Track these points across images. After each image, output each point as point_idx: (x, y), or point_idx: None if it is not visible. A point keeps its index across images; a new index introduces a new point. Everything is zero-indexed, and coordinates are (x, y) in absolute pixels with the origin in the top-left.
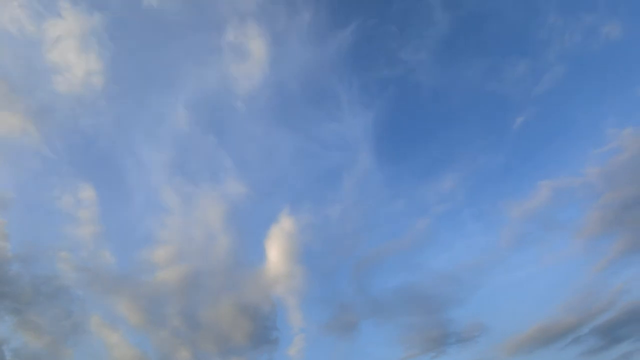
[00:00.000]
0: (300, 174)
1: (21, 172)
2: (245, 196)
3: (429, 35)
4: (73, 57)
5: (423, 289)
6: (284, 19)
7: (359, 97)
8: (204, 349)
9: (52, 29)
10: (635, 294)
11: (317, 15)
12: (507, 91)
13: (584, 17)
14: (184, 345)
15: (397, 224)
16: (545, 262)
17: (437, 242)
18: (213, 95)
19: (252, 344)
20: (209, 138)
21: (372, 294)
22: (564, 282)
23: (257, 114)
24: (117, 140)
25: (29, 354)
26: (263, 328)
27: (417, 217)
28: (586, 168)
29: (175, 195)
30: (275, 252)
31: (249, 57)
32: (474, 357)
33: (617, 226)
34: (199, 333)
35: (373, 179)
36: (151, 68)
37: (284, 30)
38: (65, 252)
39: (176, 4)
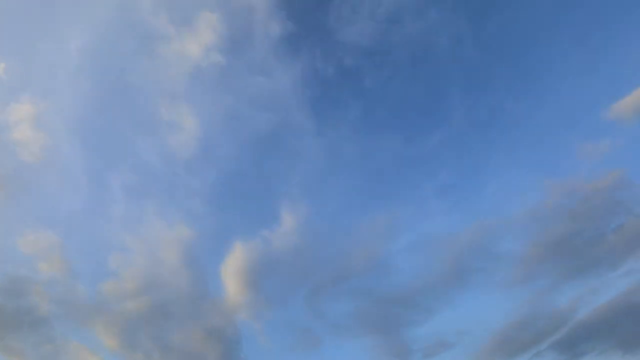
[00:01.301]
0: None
1: None
2: (199, 232)
3: (343, 116)
4: (31, 134)
5: (381, 311)
6: None
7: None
8: None
9: (15, 113)
10: (581, 312)
11: None
12: (425, 155)
13: (486, 97)
14: None
15: (345, 255)
16: (492, 286)
17: (387, 270)
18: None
19: None
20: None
21: (331, 316)
22: (513, 304)
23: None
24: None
25: None
26: (230, 350)
27: (362, 248)
28: (515, 211)
29: (136, 235)
30: (232, 280)
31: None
32: None
33: (552, 257)
34: (172, 355)
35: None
36: (98, 139)
37: None
38: (41, 287)
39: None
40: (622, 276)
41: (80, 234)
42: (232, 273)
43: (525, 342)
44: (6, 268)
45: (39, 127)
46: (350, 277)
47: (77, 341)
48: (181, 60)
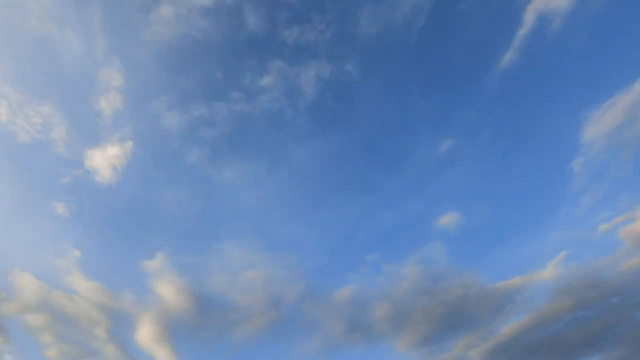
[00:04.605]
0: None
1: None
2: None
3: None
4: None
5: None
6: None
7: None
8: None
9: None
10: (473, 354)
11: None
12: None
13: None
14: None
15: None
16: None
17: (288, 325)
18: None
19: None
20: None
21: None
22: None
23: None
24: None
25: None
26: None
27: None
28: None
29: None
30: (150, 346)
31: None
32: None
33: (429, 318)
34: None
35: None
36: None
37: None
38: None
39: None
40: (501, 324)
41: None
42: (145, 340)
43: None
44: None
45: None
46: (256, 333)
47: None
48: None
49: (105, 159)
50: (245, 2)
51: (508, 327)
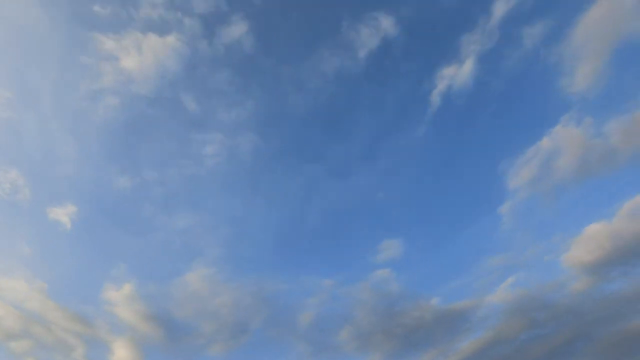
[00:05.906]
0: None
1: None
2: None
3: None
4: None
5: None
6: None
7: None
8: None
9: None
10: None
11: None
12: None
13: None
14: None
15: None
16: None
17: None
18: None
19: None
20: None
21: None
22: None
23: None
24: None
25: None
26: None
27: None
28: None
29: None
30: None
31: None
32: None
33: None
34: None
35: None
36: None
37: None
38: None
39: None
40: (460, 341)
41: None
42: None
43: None
44: None
45: None
46: (227, 356)
47: None
48: None
49: (65, 215)
50: (183, 92)
51: (467, 344)
